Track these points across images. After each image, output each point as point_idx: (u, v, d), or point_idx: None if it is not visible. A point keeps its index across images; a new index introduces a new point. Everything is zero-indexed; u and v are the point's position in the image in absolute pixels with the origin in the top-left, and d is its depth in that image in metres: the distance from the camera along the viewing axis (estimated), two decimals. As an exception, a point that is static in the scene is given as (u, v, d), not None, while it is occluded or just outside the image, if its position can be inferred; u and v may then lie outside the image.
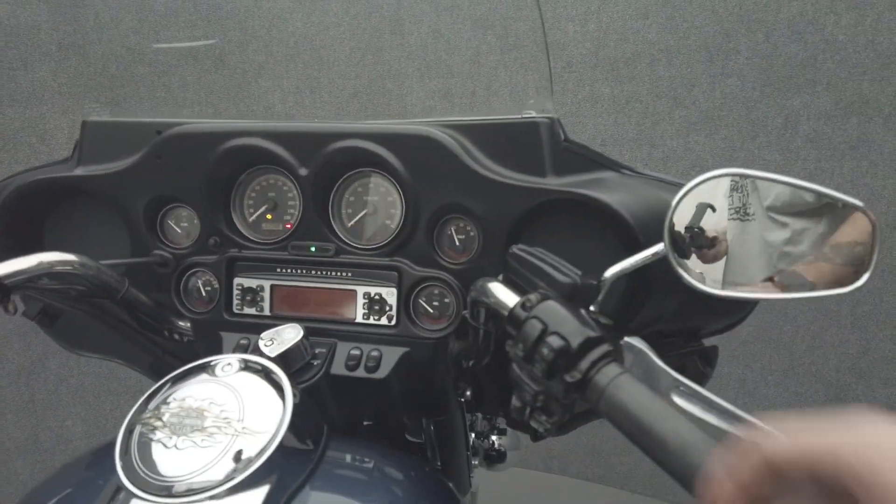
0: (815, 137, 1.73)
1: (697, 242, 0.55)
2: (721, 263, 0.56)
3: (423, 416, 0.79)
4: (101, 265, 0.69)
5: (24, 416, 1.83)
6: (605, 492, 2.00)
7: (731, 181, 0.55)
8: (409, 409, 0.76)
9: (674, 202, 0.53)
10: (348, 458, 0.59)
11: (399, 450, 0.66)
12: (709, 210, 0.56)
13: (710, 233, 0.55)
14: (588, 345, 0.43)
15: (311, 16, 2.03)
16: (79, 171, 0.78)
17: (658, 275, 0.55)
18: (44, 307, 0.83)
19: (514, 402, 0.47)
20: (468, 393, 0.77)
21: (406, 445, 0.80)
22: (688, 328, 0.68)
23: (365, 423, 0.75)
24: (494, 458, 0.99)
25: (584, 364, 0.42)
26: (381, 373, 0.68)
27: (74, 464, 0.59)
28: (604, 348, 0.43)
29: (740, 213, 0.57)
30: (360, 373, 0.69)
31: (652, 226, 0.57)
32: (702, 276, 0.54)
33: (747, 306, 0.65)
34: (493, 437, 1.00)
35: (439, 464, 0.84)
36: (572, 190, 0.63)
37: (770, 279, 0.55)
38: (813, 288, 0.54)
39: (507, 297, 0.51)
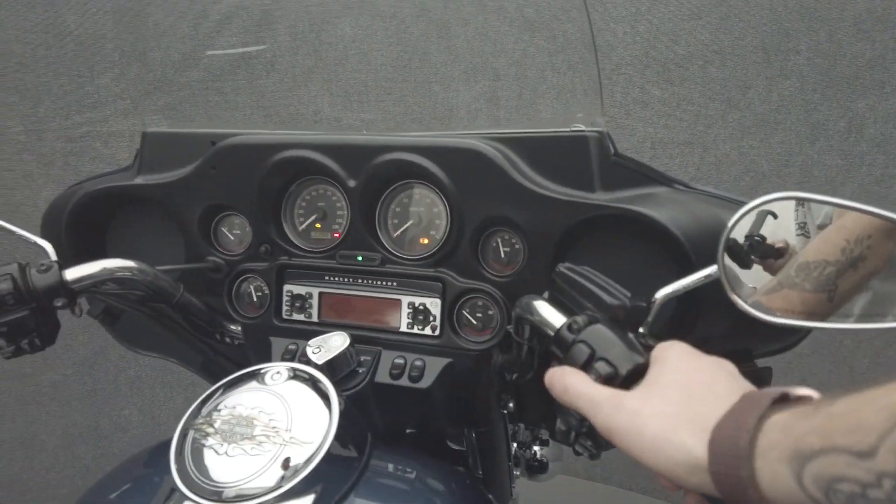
0: (883, 141, 1.64)
1: (759, 251, 0.53)
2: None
3: (465, 427, 0.79)
4: (158, 271, 0.72)
5: (87, 405, 1.93)
6: (647, 503, 1.96)
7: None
8: (451, 419, 0.77)
9: (730, 223, 0.51)
10: (392, 467, 0.60)
11: (441, 459, 0.66)
12: (769, 217, 0.53)
13: (774, 242, 0.53)
14: (636, 372, 0.42)
15: (359, 20, 2.05)
16: (139, 180, 0.82)
17: (709, 296, 0.53)
18: (106, 307, 0.87)
19: (560, 425, 0.46)
20: (511, 405, 0.77)
21: (448, 454, 0.80)
22: (740, 349, 0.66)
23: (408, 430, 0.76)
24: (536, 468, 0.99)
25: None
26: (425, 382, 0.69)
27: (134, 460, 0.62)
28: None
29: (804, 230, 0.54)
30: (404, 381, 0.69)
31: (705, 244, 0.55)
32: (755, 294, 0.52)
33: (806, 331, 0.62)
34: (536, 448, 0.99)
35: (481, 473, 0.84)
36: (621, 206, 0.62)
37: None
38: (882, 319, 0.51)
39: (553, 316, 0.51)
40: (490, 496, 0.69)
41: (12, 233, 0.70)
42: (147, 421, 2.04)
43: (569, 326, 0.47)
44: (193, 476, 0.50)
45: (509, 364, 0.69)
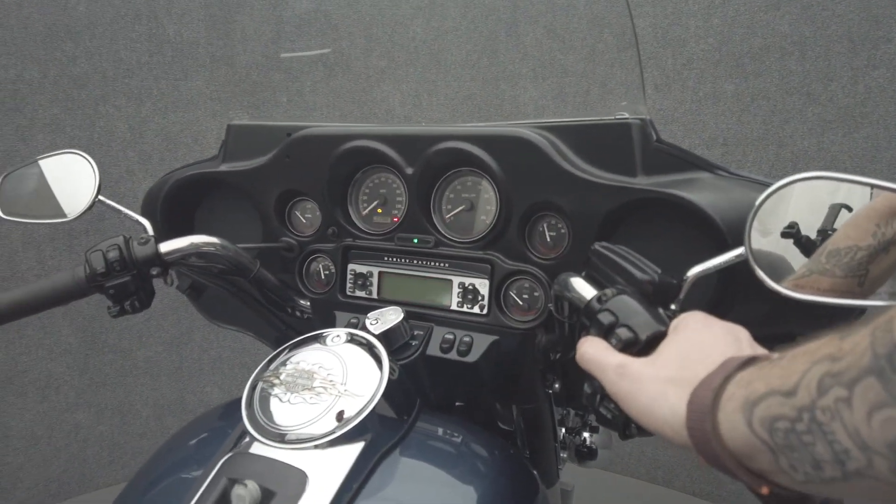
0: (982, 136, 1.52)
1: None
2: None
3: (511, 403, 0.83)
4: (238, 248, 0.81)
5: (174, 380, 2.11)
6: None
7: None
8: (497, 394, 0.80)
9: (757, 202, 0.52)
10: (438, 431, 0.65)
11: (486, 430, 0.70)
12: (843, 211, 0.53)
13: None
14: (656, 338, 0.44)
15: (430, 21, 2.12)
16: (223, 168, 0.91)
17: (746, 279, 0.54)
18: (193, 283, 0.98)
19: (586, 388, 0.49)
20: (556, 386, 0.80)
21: (497, 431, 0.84)
22: (784, 333, 0.66)
23: (457, 403, 0.80)
24: (585, 454, 1.00)
25: None
26: (472, 357, 0.73)
27: (210, 413, 0.70)
28: None
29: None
30: (453, 355, 0.74)
31: (742, 228, 0.56)
32: (782, 278, 0.52)
33: (853, 312, 0.61)
34: (585, 434, 1.01)
35: (528, 454, 0.88)
36: (661, 190, 0.63)
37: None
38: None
39: (586, 291, 0.54)
40: (534, 472, 0.71)
41: (119, 212, 0.81)
42: (226, 398, 2.21)
43: (598, 298, 0.49)
44: (261, 421, 0.57)
45: (553, 343, 0.72)
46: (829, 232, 0.53)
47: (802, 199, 0.55)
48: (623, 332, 0.45)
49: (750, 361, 0.38)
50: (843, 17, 1.60)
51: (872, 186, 0.50)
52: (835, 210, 0.53)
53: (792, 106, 1.69)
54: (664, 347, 0.43)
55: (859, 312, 0.59)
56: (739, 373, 0.37)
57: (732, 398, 0.35)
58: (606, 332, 0.46)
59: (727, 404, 0.36)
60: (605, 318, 0.47)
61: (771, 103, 1.71)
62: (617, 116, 0.68)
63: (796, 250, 0.53)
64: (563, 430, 0.99)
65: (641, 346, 0.45)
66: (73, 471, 1.99)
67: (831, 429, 0.29)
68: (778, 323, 0.62)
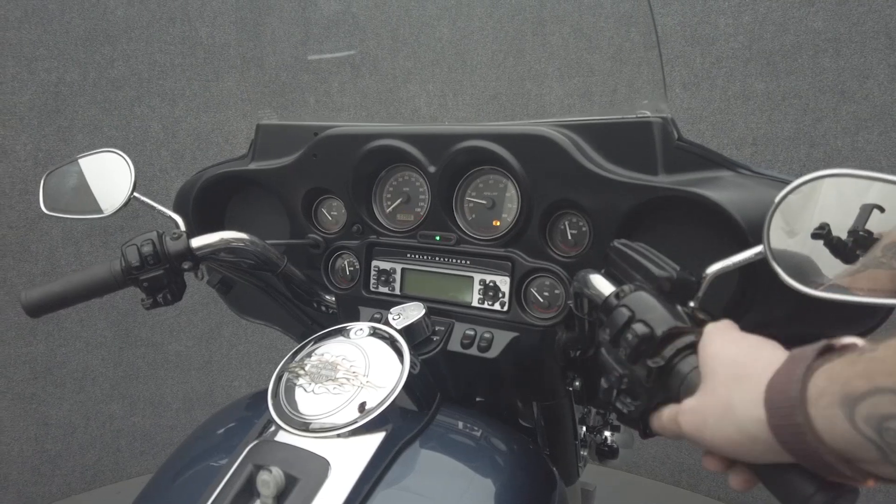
0: None
1: (864, 246, 0.51)
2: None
3: (531, 400, 0.83)
4: (267, 244, 0.83)
5: (204, 374, 2.16)
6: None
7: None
8: (517, 391, 0.81)
9: (776, 200, 0.51)
10: (457, 423, 0.66)
11: (506, 425, 0.70)
12: (875, 211, 0.52)
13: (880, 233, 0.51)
14: (673, 334, 0.44)
15: (456, 21, 2.13)
16: (252, 166, 0.94)
17: (767, 277, 0.54)
18: (223, 278, 1.01)
19: (603, 383, 0.50)
20: (577, 383, 0.80)
21: (518, 428, 0.85)
22: (808, 334, 0.65)
23: (478, 399, 0.81)
24: (606, 453, 1.00)
25: (669, 351, 0.44)
26: (492, 353, 0.74)
27: (237, 403, 0.73)
28: (689, 339, 0.44)
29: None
30: (474, 351, 0.75)
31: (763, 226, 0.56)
32: (807, 278, 0.52)
33: (878, 313, 0.60)
34: (607, 433, 1.01)
35: (548, 452, 0.88)
36: (682, 188, 0.63)
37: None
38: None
39: (604, 287, 0.54)
40: (553, 468, 0.72)
41: (153, 208, 0.84)
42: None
43: (616, 294, 0.50)
44: (286, 410, 0.59)
45: (573, 341, 0.73)
46: (861, 233, 0.52)
47: (830, 198, 0.54)
48: (639, 328, 0.45)
49: (828, 349, 0.36)
50: (879, 12, 1.56)
51: None
52: (867, 210, 0.52)
53: (825, 104, 1.65)
54: (705, 375, 0.42)
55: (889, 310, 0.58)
56: (822, 365, 0.35)
57: (825, 393, 0.34)
58: (623, 327, 0.47)
59: (820, 400, 0.34)
60: (621, 313, 0.47)
61: (803, 102, 1.68)
62: (638, 115, 0.68)
63: (825, 251, 0.52)
64: (584, 428, 0.99)
65: (659, 343, 0.45)
66: (107, 459, 2.06)
67: None
68: (804, 323, 0.61)
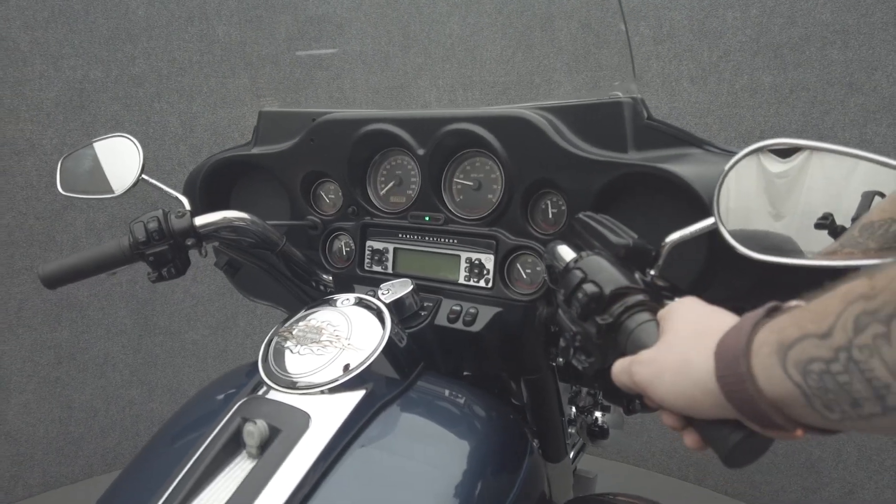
0: None
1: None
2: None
3: (517, 374, 0.86)
4: (267, 224, 0.87)
5: (219, 362, 2.23)
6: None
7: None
8: (503, 363, 0.84)
9: (726, 167, 0.54)
10: (436, 389, 0.69)
11: (485, 392, 0.73)
12: (877, 198, 0.53)
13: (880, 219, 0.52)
14: (620, 293, 0.47)
15: (466, 18, 2.16)
16: (255, 151, 0.98)
17: (728, 250, 0.56)
18: (229, 260, 1.05)
19: (561, 342, 0.52)
20: (560, 360, 0.83)
21: (508, 406, 0.87)
22: None
23: (465, 374, 0.85)
24: (597, 433, 1.02)
25: (617, 309, 0.47)
26: (477, 327, 0.77)
27: (237, 369, 0.77)
28: (638, 297, 0.47)
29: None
30: (459, 325, 0.78)
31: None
32: (767, 249, 0.54)
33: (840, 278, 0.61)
34: (597, 414, 1.03)
35: (535, 429, 0.91)
36: (649, 164, 0.66)
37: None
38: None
39: (568, 255, 0.57)
40: (530, 437, 0.74)
41: (160, 189, 0.89)
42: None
43: (575, 260, 0.53)
44: (274, 370, 0.63)
45: (552, 315, 0.75)
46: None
47: (816, 179, 0.55)
48: (589, 287, 0.48)
49: (775, 309, 0.39)
50: (888, 3, 1.55)
51: (863, 159, 0.51)
52: (868, 197, 0.53)
53: (833, 97, 1.65)
54: (665, 331, 0.45)
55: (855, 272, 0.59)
56: (769, 321, 0.37)
57: (765, 343, 0.36)
58: (575, 287, 0.49)
59: (761, 349, 0.36)
60: (575, 275, 0.50)
61: (811, 94, 1.67)
62: (610, 96, 0.71)
63: (814, 233, 0.53)
64: (574, 408, 1.01)
65: (607, 301, 0.48)
66: (127, 443, 2.13)
67: (870, 366, 0.30)
68: (766, 295, 0.63)
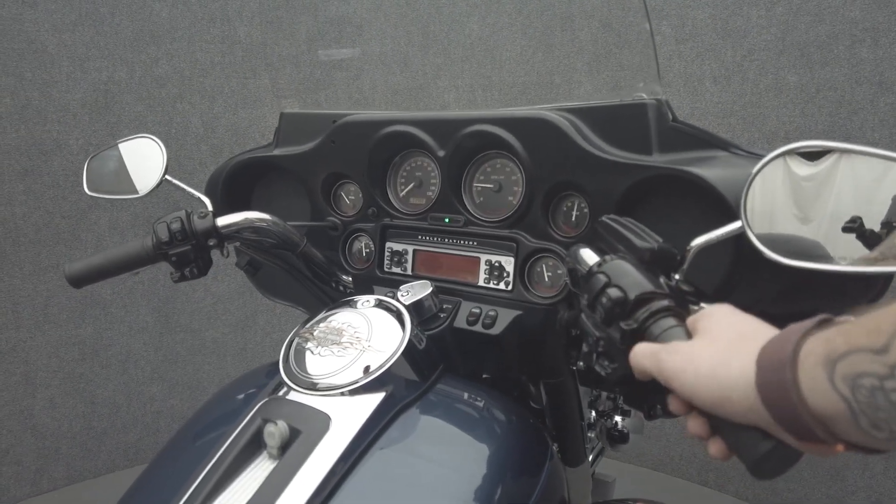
0: None
1: None
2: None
3: (537, 378, 0.85)
4: (288, 225, 0.88)
5: (239, 361, 2.25)
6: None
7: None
8: (522, 367, 0.83)
9: (753, 171, 0.52)
10: (456, 392, 0.69)
11: (504, 395, 0.73)
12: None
13: None
14: (645, 298, 0.46)
15: (486, 18, 2.16)
16: (276, 152, 0.99)
17: (755, 254, 0.55)
18: (250, 260, 1.06)
19: (584, 347, 0.52)
20: (580, 363, 0.82)
21: (528, 410, 0.87)
22: (801, 313, 0.65)
23: (484, 376, 0.84)
24: (617, 438, 1.01)
25: (642, 314, 0.46)
26: (496, 330, 0.77)
27: (256, 369, 0.77)
28: (663, 303, 0.46)
29: None
30: (478, 328, 0.78)
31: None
32: (796, 254, 0.52)
33: (874, 286, 0.60)
34: (617, 418, 1.02)
35: (555, 433, 0.90)
36: (674, 167, 0.65)
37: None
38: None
39: (591, 259, 0.56)
40: (550, 442, 0.73)
41: (183, 190, 0.90)
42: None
43: (598, 264, 0.52)
44: (295, 371, 0.63)
45: (574, 319, 0.75)
46: (895, 224, 0.52)
47: (846, 182, 0.54)
48: (613, 292, 0.47)
49: (826, 321, 0.38)
50: (919, 1, 1.51)
51: (887, 159, 0.50)
52: None
53: (862, 96, 1.61)
54: (704, 330, 0.44)
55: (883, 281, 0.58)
56: (817, 331, 0.37)
57: (812, 353, 0.35)
58: (598, 292, 0.49)
59: (807, 359, 0.35)
60: (598, 279, 0.49)
61: (838, 94, 1.64)
62: (634, 98, 0.70)
63: (842, 237, 0.52)
64: (594, 412, 1.00)
65: (632, 307, 0.47)
66: (148, 439, 2.16)
67: None
68: (794, 301, 0.62)
